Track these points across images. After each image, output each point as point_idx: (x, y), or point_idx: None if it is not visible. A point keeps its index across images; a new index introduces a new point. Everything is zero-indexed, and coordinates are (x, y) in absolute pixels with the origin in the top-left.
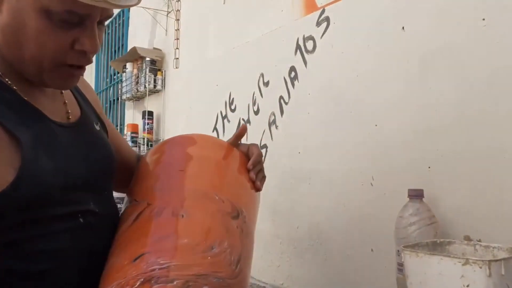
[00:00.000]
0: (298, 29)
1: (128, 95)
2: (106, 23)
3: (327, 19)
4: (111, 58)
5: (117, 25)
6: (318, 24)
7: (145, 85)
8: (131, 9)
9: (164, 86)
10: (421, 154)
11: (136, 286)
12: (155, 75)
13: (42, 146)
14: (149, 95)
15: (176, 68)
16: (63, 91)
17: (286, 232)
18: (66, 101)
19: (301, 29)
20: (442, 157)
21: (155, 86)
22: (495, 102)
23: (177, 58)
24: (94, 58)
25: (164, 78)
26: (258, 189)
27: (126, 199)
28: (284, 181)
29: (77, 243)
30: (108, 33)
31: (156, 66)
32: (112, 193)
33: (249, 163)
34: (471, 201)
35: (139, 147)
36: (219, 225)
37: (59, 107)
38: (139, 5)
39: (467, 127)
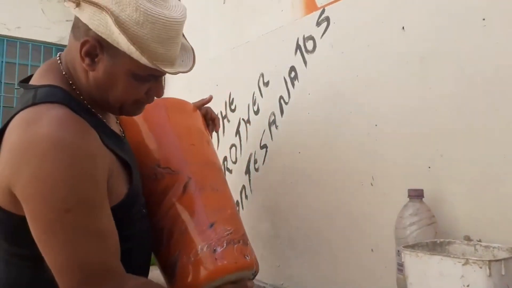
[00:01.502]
0: (298, 29)
1: None
2: None
3: (327, 19)
4: None
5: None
6: (318, 24)
7: None
8: None
9: (164, 86)
10: (421, 154)
11: (224, 246)
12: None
13: (132, 163)
14: None
15: None
16: None
17: (286, 232)
18: (117, 121)
19: (301, 29)
20: (442, 157)
21: None
22: (495, 102)
23: None
24: None
25: (164, 78)
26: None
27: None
28: (284, 181)
29: (143, 227)
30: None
31: None
32: None
33: (217, 128)
34: (471, 201)
35: None
36: (229, 190)
37: (115, 124)
38: None
39: (467, 127)
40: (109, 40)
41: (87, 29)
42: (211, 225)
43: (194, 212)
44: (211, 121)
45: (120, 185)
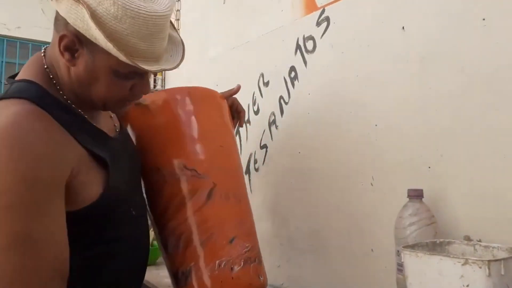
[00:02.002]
0: (298, 29)
1: None
2: None
3: (327, 19)
4: None
5: None
6: (318, 24)
7: None
8: None
9: (164, 86)
10: (421, 154)
11: (241, 265)
12: (155, 74)
13: (114, 162)
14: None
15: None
16: None
17: (286, 232)
18: (111, 116)
19: (301, 29)
20: (442, 157)
21: (155, 86)
22: (495, 102)
23: None
24: None
25: (164, 78)
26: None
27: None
28: (284, 181)
29: (135, 230)
30: None
31: None
32: (141, 188)
33: (242, 123)
34: (471, 201)
35: None
36: (248, 201)
37: (108, 121)
38: None
39: (467, 127)
40: (86, 35)
41: (66, 23)
42: (231, 240)
43: (216, 224)
44: (236, 114)
45: (93, 185)
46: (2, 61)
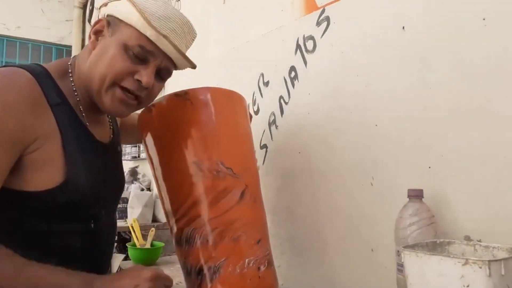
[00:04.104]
0: (298, 29)
1: None
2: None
3: (327, 19)
4: None
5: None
6: (318, 24)
7: None
8: None
9: (164, 86)
10: (421, 154)
11: (266, 266)
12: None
13: (86, 162)
14: None
15: None
16: (109, 116)
17: (286, 232)
18: (111, 126)
19: (301, 29)
20: (442, 157)
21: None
22: (495, 102)
23: None
24: None
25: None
26: None
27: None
28: (284, 181)
29: (86, 244)
30: None
31: None
32: (117, 206)
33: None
34: (471, 201)
35: (139, 147)
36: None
37: (105, 129)
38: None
39: (467, 127)
40: (115, 14)
41: (105, 15)
42: (259, 241)
43: (247, 223)
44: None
45: (53, 170)
46: (2, 61)
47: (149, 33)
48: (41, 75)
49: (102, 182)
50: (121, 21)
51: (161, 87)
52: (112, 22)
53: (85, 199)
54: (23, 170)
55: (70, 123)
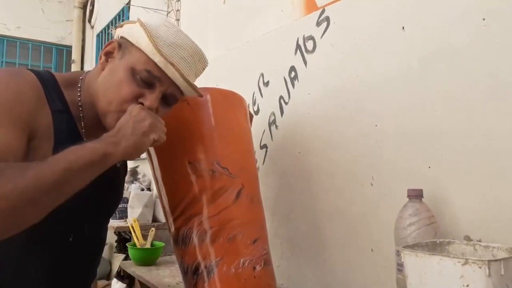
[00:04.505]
0: (298, 29)
1: None
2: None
3: (327, 19)
4: None
5: (117, 25)
6: (318, 24)
7: None
8: (131, 9)
9: None
10: (421, 154)
11: (262, 266)
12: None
13: None
14: None
15: None
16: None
17: (286, 232)
18: None
19: (301, 29)
20: (442, 157)
21: None
22: (495, 102)
23: None
24: (94, 58)
25: None
26: None
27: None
28: (284, 181)
29: (65, 254)
30: (108, 33)
31: None
32: (107, 222)
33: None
34: (471, 201)
35: None
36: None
37: None
38: (139, 5)
39: (467, 127)
40: (127, 36)
41: (118, 37)
42: (255, 241)
43: (243, 223)
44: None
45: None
46: (2, 61)
47: (157, 59)
48: (47, 81)
49: (88, 197)
50: (132, 44)
51: (167, 112)
52: (123, 44)
53: (60, 213)
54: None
55: (66, 132)
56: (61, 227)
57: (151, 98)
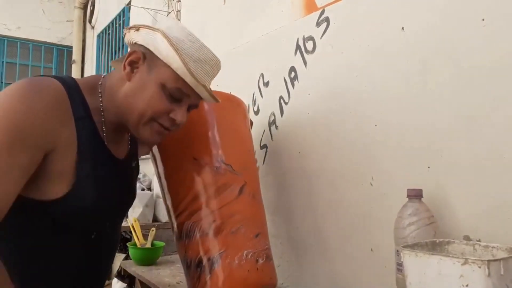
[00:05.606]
0: (298, 29)
1: None
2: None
3: (327, 19)
4: (112, 58)
5: (117, 25)
6: (318, 24)
7: None
8: (131, 9)
9: None
10: (421, 154)
11: (264, 259)
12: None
13: (96, 177)
14: None
15: None
16: (129, 134)
17: (286, 232)
18: (130, 144)
19: (301, 29)
20: (442, 157)
21: None
22: (495, 102)
23: None
24: (94, 59)
25: None
26: None
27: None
28: (284, 181)
29: (86, 252)
30: (109, 34)
31: None
32: (123, 218)
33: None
34: (471, 201)
35: None
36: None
37: (123, 146)
38: (139, 5)
39: (467, 127)
40: (154, 51)
41: (139, 45)
42: (257, 235)
43: (246, 217)
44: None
45: (63, 179)
46: (3, 61)
47: (189, 79)
48: (72, 88)
49: (111, 196)
50: (158, 58)
51: (188, 116)
52: (148, 56)
53: (88, 212)
54: (36, 178)
55: (89, 137)
56: (86, 226)
57: (181, 114)
